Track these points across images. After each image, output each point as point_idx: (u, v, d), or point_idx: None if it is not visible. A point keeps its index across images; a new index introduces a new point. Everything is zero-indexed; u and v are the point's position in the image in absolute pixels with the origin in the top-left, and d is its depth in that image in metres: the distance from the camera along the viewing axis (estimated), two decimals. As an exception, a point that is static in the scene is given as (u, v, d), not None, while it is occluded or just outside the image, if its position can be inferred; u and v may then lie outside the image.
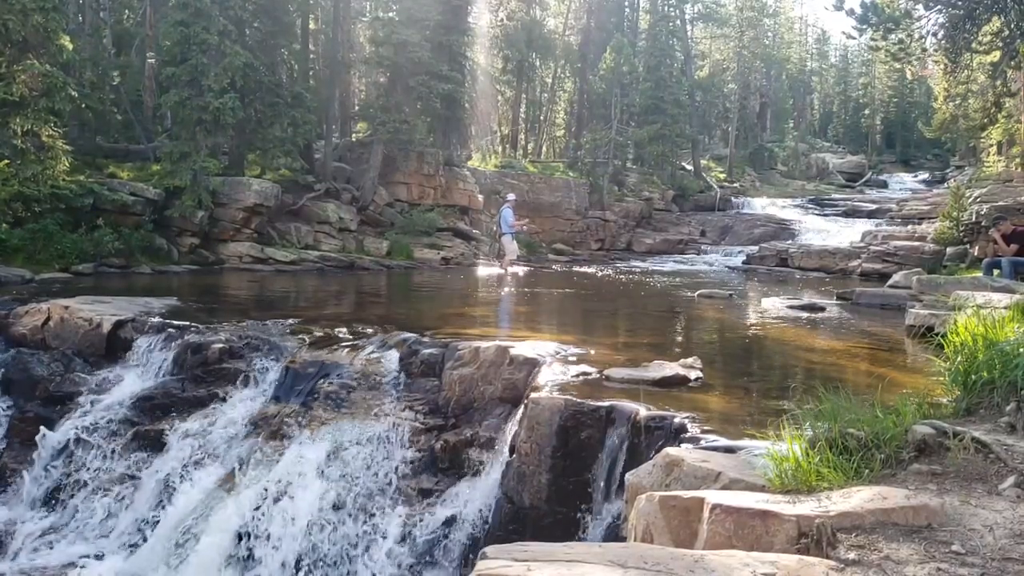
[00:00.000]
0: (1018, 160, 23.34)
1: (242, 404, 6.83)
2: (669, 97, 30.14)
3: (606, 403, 4.96)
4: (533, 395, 5.33)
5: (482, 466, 5.59)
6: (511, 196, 18.04)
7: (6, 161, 13.11)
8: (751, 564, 2.17)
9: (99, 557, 6.05)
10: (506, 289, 14.09)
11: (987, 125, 23.25)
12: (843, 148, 47.84)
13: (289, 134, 18.81)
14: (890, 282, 14.00)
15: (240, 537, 5.60)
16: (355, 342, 7.26)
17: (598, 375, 5.75)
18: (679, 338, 8.70)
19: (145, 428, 6.86)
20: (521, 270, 17.58)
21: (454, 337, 7.09)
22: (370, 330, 7.69)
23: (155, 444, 6.67)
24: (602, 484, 4.69)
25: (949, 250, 17.60)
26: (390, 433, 6.07)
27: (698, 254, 25.45)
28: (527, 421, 5.14)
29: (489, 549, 2.28)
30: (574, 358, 6.30)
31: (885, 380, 4.97)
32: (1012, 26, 14.91)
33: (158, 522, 6.03)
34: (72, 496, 6.65)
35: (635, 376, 5.62)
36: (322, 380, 6.73)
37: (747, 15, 38.26)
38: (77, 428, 7.04)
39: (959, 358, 3.95)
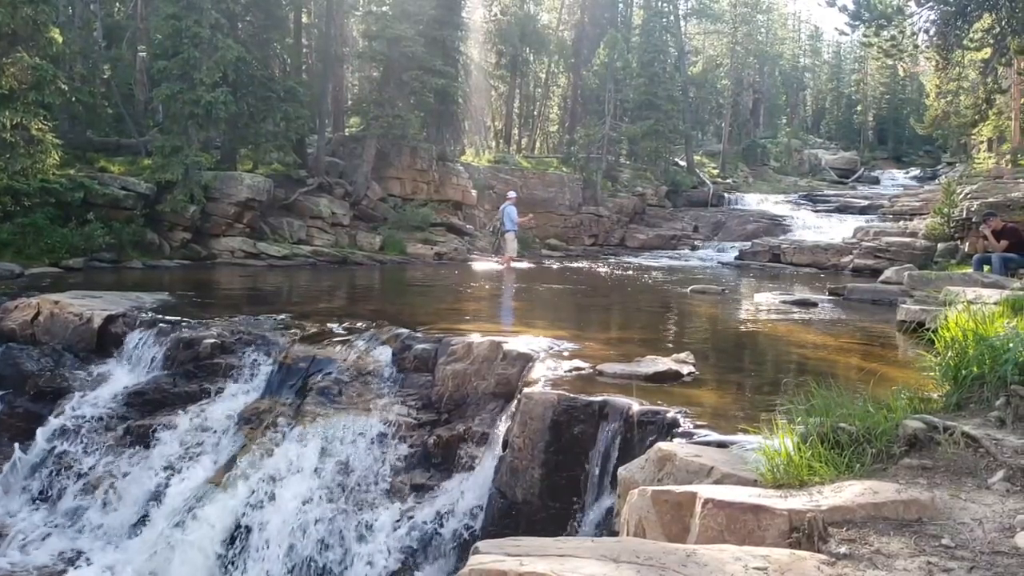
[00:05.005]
0: (1008, 157, 23.46)
1: (234, 399, 6.81)
2: (662, 93, 30.12)
3: (599, 398, 4.97)
4: (526, 390, 5.33)
5: (475, 461, 5.59)
6: (512, 193, 18.17)
7: (-5, 155, 13.02)
8: (743, 558, 2.18)
9: (91, 552, 6.03)
10: (500, 284, 14.09)
11: (978, 122, 23.37)
12: (835, 144, 47.97)
13: (282, 128, 18.70)
14: (881, 278, 14.07)
15: (232, 531, 5.59)
16: (348, 337, 7.24)
17: (591, 370, 5.76)
18: (672, 333, 8.71)
19: (136, 423, 6.83)
20: (521, 265, 17.64)
21: (447, 332, 7.09)
22: (363, 325, 7.67)
23: (147, 439, 6.64)
24: (595, 479, 4.70)
25: (940, 246, 17.67)
26: (383, 428, 6.07)
27: (691, 250, 25.48)
28: (520, 416, 5.14)
29: (482, 544, 2.28)
30: (567, 353, 6.30)
31: (876, 375, 5.00)
32: (1003, 23, 14.96)
33: (150, 517, 6.01)
34: (63, 492, 6.62)
35: (628, 371, 5.63)
36: (315, 375, 6.73)
37: (740, 11, 38.26)
38: (68, 423, 7.01)
39: (949, 353, 3.97)
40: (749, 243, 23.18)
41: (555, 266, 19.17)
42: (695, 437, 4.18)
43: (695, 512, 2.62)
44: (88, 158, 16.83)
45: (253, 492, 5.73)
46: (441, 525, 5.31)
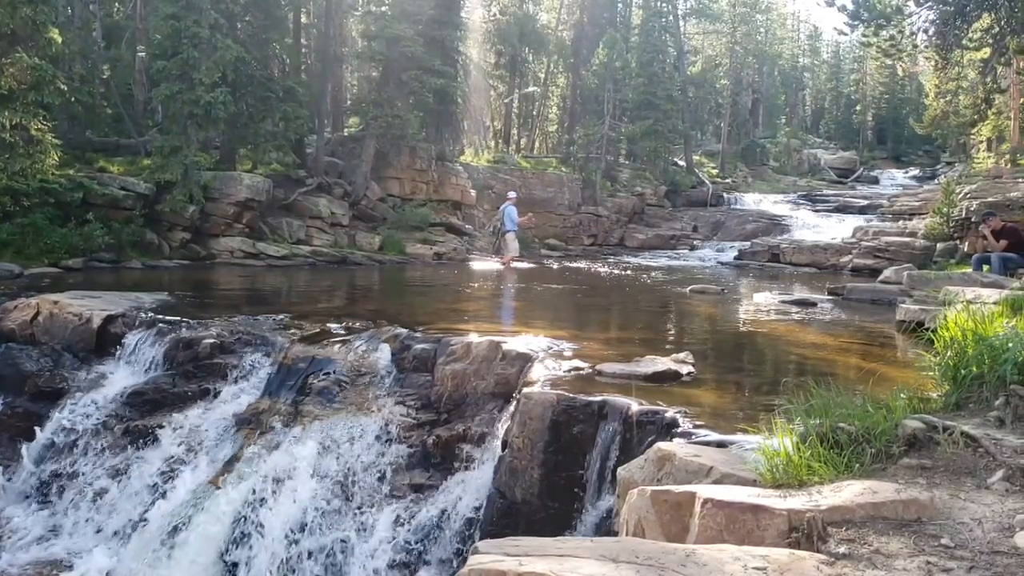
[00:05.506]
0: (1008, 156, 23.45)
1: (233, 399, 6.81)
2: (662, 93, 30.11)
3: (598, 398, 4.97)
4: (525, 390, 5.33)
5: (474, 461, 5.59)
6: (512, 194, 18.25)
7: (-5, 155, 13.01)
8: (742, 558, 2.18)
9: (89, 552, 6.02)
10: (499, 284, 14.09)
11: (977, 121, 23.38)
12: (835, 144, 47.95)
13: (281, 128, 18.70)
14: (881, 278, 14.07)
15: (231, 532, 5.58)
16: (347, 337, 7.24)
17: (590, 370, 5.76)
18: (671, 333, 8.71)
19: (136, 423, 6.83)
20: (522, 266, 17.66)
21: (447, 332, 7.09)
22: (362, 325, 7.67)
23: (146, 439, 6.64)
24: (594, 479, 4.70)
25: (939, 246, 17.67)
26: (382, 428, 6.07)
27: (690, 250, 25.47)
28: (519, 416, 5.14)
29: (481, 544, 2.28)
30: (567, 353, 6.30)
31: (876, 375, 5.00)
32: (1002, 23, 14.97)
33: (148, 518, 6.01)
34: (62, 492, 6.61)
35: (627, 371, 5.63)
36: (314, 375, 6.72)
37: (739, 11, 38.25)
38: (67, 424, 7.00)
39: (949, 353, 3.97)
40: (748, 243, 23.17)
41: (554, 266, 19.17)
42: (694, 437, 4.18)
43: (694, 512, 2.62)
44: (87, 158, 16.82)
45: (252, 493, 5.73)
46: (440, 525, 5.31)
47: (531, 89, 33.10)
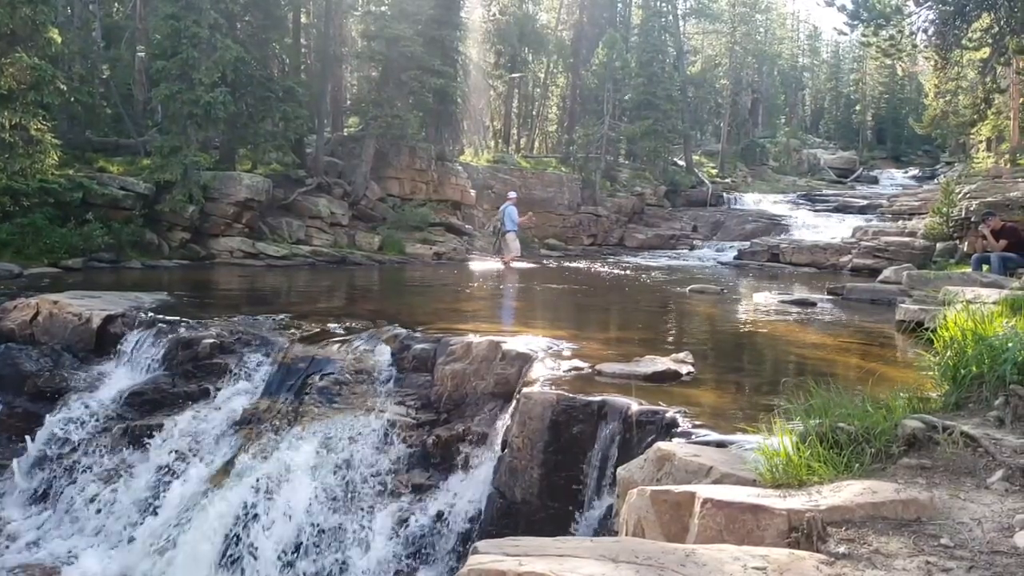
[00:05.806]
0: (1007, 156, 23.45)
1: (233, 399, 6.81)
2: (661, 92, 30.11)
3: (598, 398, 4.97)
4: (525, 390, 5.33)
5: (474, 461, 5.59)
6: (512, 194, 18.29)
7: (-6, 155, 13.01)
8: (742, 558, 2.18)
9: (88, 553, 6.02)
10: (499, 284, 14.09)
11: (977, 121, 23.38)
12: (834, 144, 47.96)
13: (280, 128, 18.70)
14: (880, 277, 14.07)
15: (230, 533, 5.58)
16: (347, 337, 7.24)
17: (590, 370, 5.76)
18: (671, 333, 8.71)
19: (135, 424, 6.82)
20: (522, 265, 17.67)
21: (446, 332, 7.09)
22: (362, 325, 7.67)
23: (145, 440, 6.63)
24: (594, 478, 4.70)
25: (939, 246, 17.67)
26: (382, 428, 6.07)
27: (690, 249, 25.47)
28: (519, 416, 5.14)
29: (481, 543, 2.28)
30: (566, 353, 6.30)
31: (875, 375, 5.00)
32: (1001, 23, 14.98)
33: (148, 518, 6.00)
34: (61, 493, 6.61)
35: (627, 371, 5.63)
36: (314, 375, 6.72)
37: (739, 11, 38.23)
38: (66, 424, 7.00)
39: (948, 353, 3.97)
40: (748, 243, 23.17)
41: (554, 266, 19.16)
42: (694, 437, 4.18)
43: (694, 512, 2.62)
44: (87, 158, 16.82)
45: (251, 493, 5.72)
46: (440, 525, 5.31)
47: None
